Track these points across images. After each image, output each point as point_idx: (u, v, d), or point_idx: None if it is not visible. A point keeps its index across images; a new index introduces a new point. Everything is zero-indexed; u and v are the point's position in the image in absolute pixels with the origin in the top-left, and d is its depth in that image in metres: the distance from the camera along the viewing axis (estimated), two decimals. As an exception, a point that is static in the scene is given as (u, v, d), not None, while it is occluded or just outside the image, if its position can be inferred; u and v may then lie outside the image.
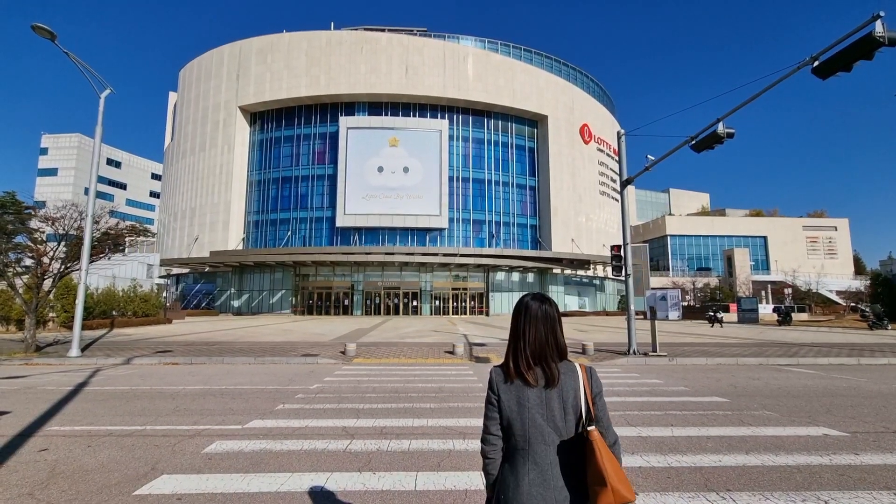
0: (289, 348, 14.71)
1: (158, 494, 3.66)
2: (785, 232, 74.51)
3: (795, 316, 39.14)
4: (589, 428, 1.58)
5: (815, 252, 73.83)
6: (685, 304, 49.39)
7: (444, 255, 41.68)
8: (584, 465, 1.57)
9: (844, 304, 52.82)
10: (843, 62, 7.72)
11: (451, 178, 45.83)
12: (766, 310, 42.68)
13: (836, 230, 75.96)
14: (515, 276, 47.91)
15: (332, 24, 49.91)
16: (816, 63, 8.23)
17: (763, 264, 71.74)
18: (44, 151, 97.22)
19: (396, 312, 44.53)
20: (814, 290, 55.63)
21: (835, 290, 61.18)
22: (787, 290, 51.14)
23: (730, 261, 64.11)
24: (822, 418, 6.25)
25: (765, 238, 74.18)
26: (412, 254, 41.52)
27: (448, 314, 44.94)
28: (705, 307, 43.18)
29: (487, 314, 45.26)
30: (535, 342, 1.65)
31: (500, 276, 47.08)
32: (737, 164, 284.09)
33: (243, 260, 42.78)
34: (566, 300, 50.03)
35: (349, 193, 43.85)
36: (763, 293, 60.46)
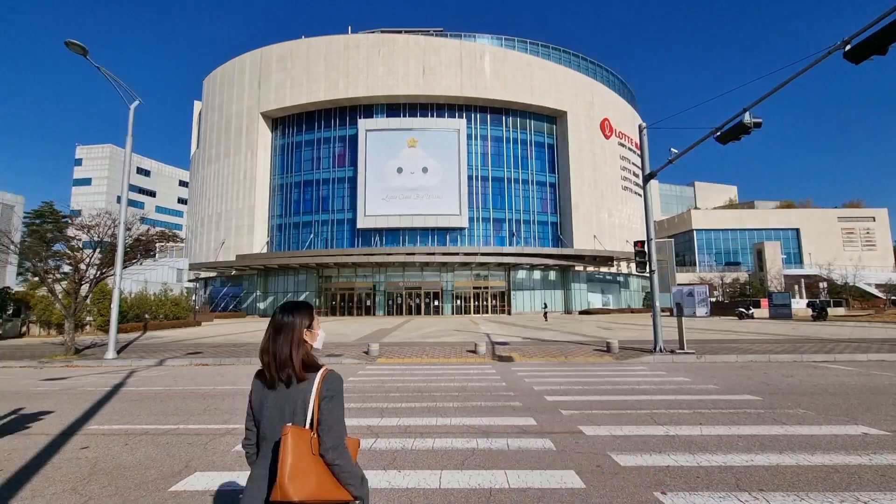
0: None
1: (193, 491, 3.79)
2: (819, 224, 71.61)
3: (831, 310, 37.61)
4: (287, 425, 1.64)
5: (851, 244, 70.74)
6: (713, 299, 48.04)
7: (465, 254, 41.67)
8: (273, 468, 1.65)
9: (885, 298, 50.42)
10: (878, 44, 7.37)
11: (470, 177, 45.78)
12: (799, 305, 41.11)
13: (874, 221, 72.58)
14: (537, 275, 47.51)
15: (350, 27, 50.74)
16: (849, 47, 7.89)
17: (795, 258, 69.15)
18: (78, 162, 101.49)
19: (418, 312, 44.75)
20: (851, 284, 53.24)
21: (874, 283, 58.43)
22: (822, 284, 49.18)
23: (760, 255, 62.02)
24: (861, 417, 6.00)
25: (797, 230, 71.47)
26: (433, 254, 41.65)
27: (470, 313, 44.91)
28: (735, 303, 41.96)
29: (509, 313, 45.03)
30: (270, 349, 1.78)
31: (522, 274, 46.76)
32: (765, 155, 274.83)
33: (268, 263, 43.74)
34: (589, 297, 49.34)
35: (369, 195, 44.29)
36: (796, 287, 58.29)
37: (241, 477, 4.07)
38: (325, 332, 1.98)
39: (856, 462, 4.26)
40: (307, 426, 1.69)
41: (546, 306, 39.16)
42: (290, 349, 1.77)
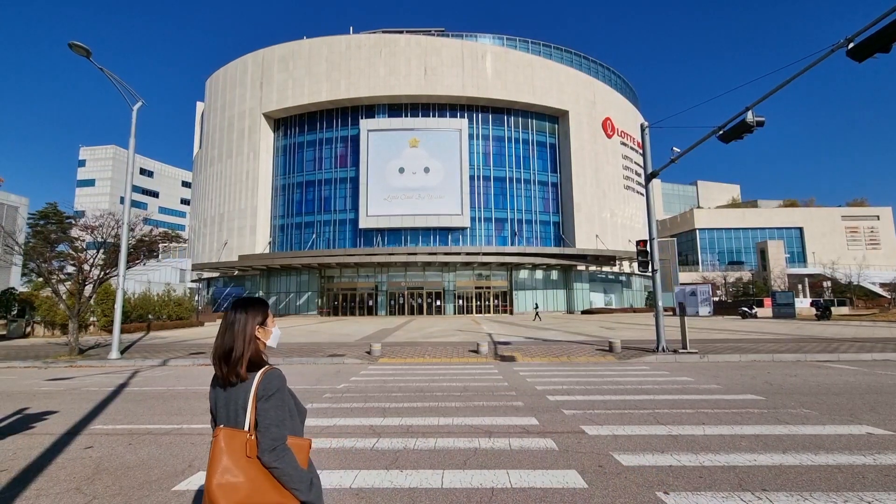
0: (315, 349, 14.99)
1: (196, 490, 3.80)
2: (822, 223, 71.32)
3: (835, 310, 37.45)
4: (220, 427, 1.61)
5: (855, 243, 70.42)
6: (716, 299, 47.91)
7: (467, 254, 41.68)
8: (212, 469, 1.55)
9: (890, 297, 50.20)
10: (882, 42, 7.34)
11: (471, 177, 45.79)
12: (803, 304, 40.91)
13: (878, 219, 72.23)
14: (539, 274, 47.48)
15: (352, 28, 50.87)
16: (851, 45, 7.86)
17: (799, 257, 68.89)
18: (82, 163, 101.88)
19: (420, 312, 44.78)
20: (855, 283, 53.00)
21: (878, 283, 58.15)
22: (826, 283, 48.96)
23: (763, 254, 61.78)
24: (865, 416, 5.98)
25: (800, 229, 71.20)
26: (435, 253, 41.67)
27: (472, 313, 44.92)
28: (738, 302, 41.86)
29: (511, 313, 45.01)
30: (220, 345, 1.73)
31: (524, 274, 46.73)
32: (769, 154, 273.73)
33: (270, 263, 43.84)
34: (591, 297, 49.28)
35: (371, 195, 44.34)
36: (799, 287, 58.06)
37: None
38: (280, 331, 1.90)
39: (860, 462, 4.25)
40: (246, 427, 1.63)
41: (537, 306, 38.84)
42: (236, 346, 1.72)
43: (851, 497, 3.48)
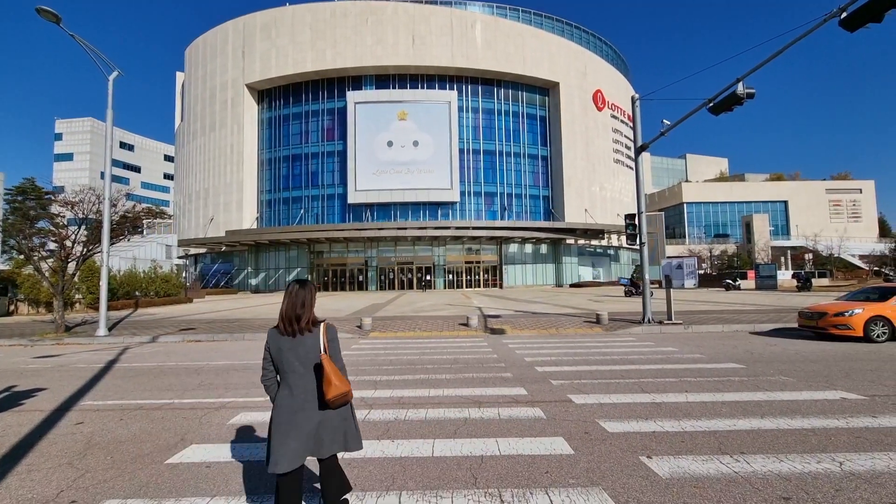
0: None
1: (189, 463, 3.85)
2: (807, 196, 72.40)
3: (816, 281, 38.43)
4: (322, 354, 2.55)
5: (838, 216, 71.78)
6: (702, 271, 48.82)
7: (457, 228, 41.66)
8: (320, 379, 2.54)
9: (868, 269, 51.62)
10: (874, 11, 7.29)
11: (461, 151, 45.27)
12: (785, 276, 41.92)
13: (860, 192, 73.50)
14: (528, 248, 47.74)
15: (336, -6, 48.58)
16: (844, 14, 7.78)
17: (783, 230, 70.13)
18: (58, 137, 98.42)
19: (410, 287, 44.98)
20: (836, 255, 54.33)
21: (858, 255, 59.69)
22: (808, 256, 50.11)
23: (748, 227, 62.78)
24: (839, 382, 6.22)
25: (785, 203, 72.27)
26: (424, 228, 41.57)
27: (462, 288, 45.24)
28: (722, 275, 42.70)
29: (501, 287, 45.43)
30: (290, 311, 2.57)
31: (514, 248, 46.95)
32: (757, 127, 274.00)
33: (258, 239, 43.39)
34: (580, 271, 49.83)
35: (360, 169, 43.71)
36: (782, 259, 59.39)
37: (238, 448, 4.14)
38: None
39: (833, 425, 4.43)
40: (322, 351, 2.58)
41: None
42: (305, 311, 2.60)
43: (824, 458, 3.64)
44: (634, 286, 28.48)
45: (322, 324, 2.65)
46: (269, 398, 2.78)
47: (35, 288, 22.11)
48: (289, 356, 2.55)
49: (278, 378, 2.64)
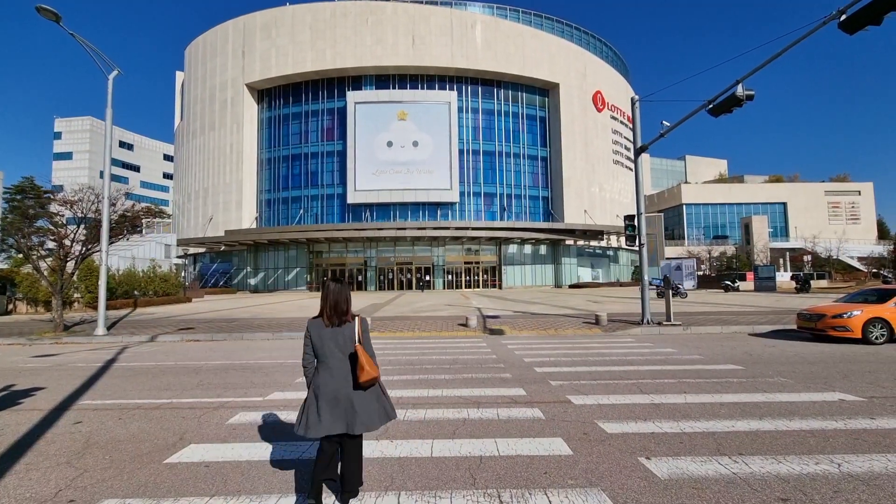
0: (305, 324, 15.00)
1: (187, 462, 3.84)
2: (806, 198, 72.51)
3: (815, 283, 38.51)
4: (356, 345, 3.00)
5: (836, 217, 71.90)
6: (700, 273, 48.90)
7: (456, 228, 41.65)
8: (354, 365, 2.99)
9: (866, 271, 51.74)
10: (873, 14, 7.31)
11: (461, 151, 45.28)
12: (784, 277, 41.97)
13: (859, 194, 73.63)
14: (528, 249, 47.75)
15: (336, -6, 48.57)
16: (844, 17, 7.80)
17: (782, 231, 70.24)
18: (57, 136, 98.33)
19: (409, 287, 44.95)
20: (834, 257, 54.41)
21: (856, 256, 59.77)
22: (807, 257, 50.15)
23: (747, 228, 62.88)
24: (838, 384, 6.23)
25: (784, 204, 72.38)
26: (424, 228, 41.55)
27: (461, 288, 45.23)
28: (721, 276, 42.76)
29: (500, 287, 45.43)
30: (331, 304, 3.10)
31: (513, 248, 46.95)
32: (757, 129, 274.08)
33: (257, 238, 43.36)
34: (579, 272, 49.84)
35: (359, 169, 43.69)
36: (781, 261, 59.48)
37: (236, 448, 4.13)
38: None
39: (831, 427, 4.44)
40: (357, 342, 3.02)
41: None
42: (347, 305, 3.14)
43: (822, 459, 3.64)
44: (668, 286, 27.16)
45: (357, 317, 3.14)
46: (304, 380, 3.29)
47: (34, 287, 22.06)
48: (329, 343, 3.04)
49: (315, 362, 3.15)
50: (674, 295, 25.39)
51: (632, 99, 14.94)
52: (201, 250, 51.81)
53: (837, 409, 5.06)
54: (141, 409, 5.62)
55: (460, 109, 45.89)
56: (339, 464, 3.10)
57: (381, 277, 45.43)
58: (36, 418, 5.24)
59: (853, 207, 73.10)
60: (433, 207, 44.85)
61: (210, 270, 50.98)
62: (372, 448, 4.07)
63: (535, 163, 49.05)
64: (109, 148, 14.18)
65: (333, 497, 3.17)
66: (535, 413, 5.08)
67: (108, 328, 13.92)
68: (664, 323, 12.95)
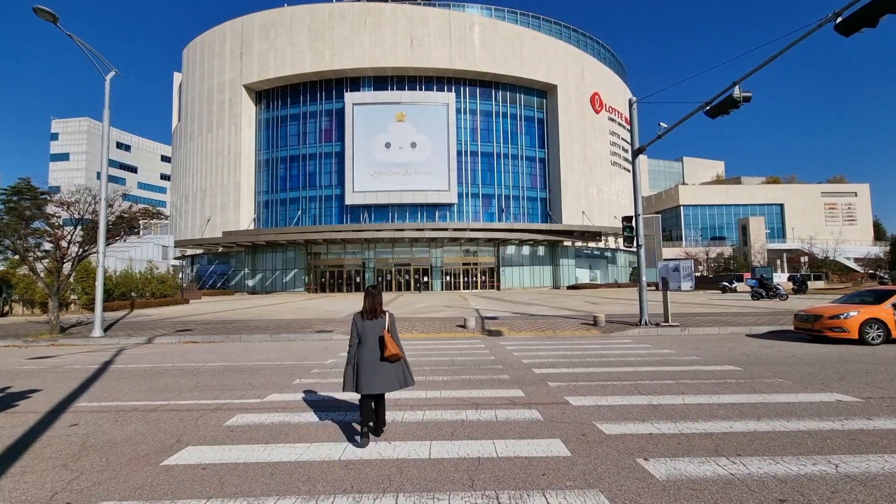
0: (304, 325, 14.99)
1: (185, 465, 3.82)
2: (802, 199, 72.77)
3: (811, 284, 38.66)
4: (385, 331, 4.28)
5: (833, 219, 72.19)
6: (698, 274, 49.01)
7: (454, 230, 41.63)
8: (382, 345, 4.25)
9: (862, 272, 51.96)
10: (869, 16, 7.35)
11: (459, 153, 45.29)
12: (781, 278, 42.10)
13: (855, 196, 73.94)
14: (526, 250, 47.79)
15: (334, -5, 48.59)
16: (839, 20, 7.84)
17: (779, 232, 70.47)
18: (54, 136, 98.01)
19: (408, 289, 44.91)
20: (831, 258, 54.63)
21: (853, 258, 60.04)
22: (804, 259, 50.34)
23: (745, 230, 63.10)
24: (835, 385, 6.24)
25: (781, 206, 72.62)
26: (422, 229, 41.52)
27: (459, 289, 45.21)
28: (719, 277, 42.87)
29: (499, 288, 45.43)
30: (369, 304, 4.38)
31: (511, 249, 46.97)
32: (754, 130, 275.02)
33: (255, 240, 43.26)
34: (577, 273, 49.86)
35: (357, 171, 43.67)
36: (778, 262, 59.62)
37: (234, 450, 4.12)
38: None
39: (829, 427, 4.45)
40: (387, 330, 4.30)
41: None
42: (379, 305, 4.41)
43: (820, 460, 3.65)
44: (766, 289, 24.66)
45: (387, 312, 4.46)
46: (345, 359, 5.07)
47: (30, 288, 21.97)
48: (368, 330, 4.32)
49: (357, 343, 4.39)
50: (772, 297, 24.47)
51: (629, 100, 14.98)
52: (199, 252, 51.70)
53: (835, 409, 5.07)
54: (138, 411, 5.59)
55: (458, 111, 45.93)
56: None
57: (380, 279, 45.35)
58: (32, 421, 5.21)
59: (850, 209, 73.41)
60: (431, 209, 44.86)
61: (208, 272, 50.85)
62: (370, 450, 4.06)
63: (534, 164, 49.11)
64: (107, 149, 14.14)
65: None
66: (533, 414, 5.08)
67: (105, 330, 13.86)
68: (662, 324, 12.97)
